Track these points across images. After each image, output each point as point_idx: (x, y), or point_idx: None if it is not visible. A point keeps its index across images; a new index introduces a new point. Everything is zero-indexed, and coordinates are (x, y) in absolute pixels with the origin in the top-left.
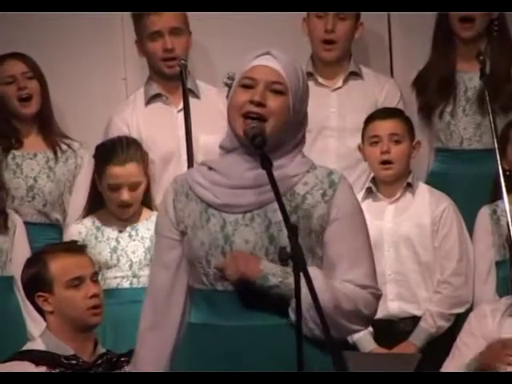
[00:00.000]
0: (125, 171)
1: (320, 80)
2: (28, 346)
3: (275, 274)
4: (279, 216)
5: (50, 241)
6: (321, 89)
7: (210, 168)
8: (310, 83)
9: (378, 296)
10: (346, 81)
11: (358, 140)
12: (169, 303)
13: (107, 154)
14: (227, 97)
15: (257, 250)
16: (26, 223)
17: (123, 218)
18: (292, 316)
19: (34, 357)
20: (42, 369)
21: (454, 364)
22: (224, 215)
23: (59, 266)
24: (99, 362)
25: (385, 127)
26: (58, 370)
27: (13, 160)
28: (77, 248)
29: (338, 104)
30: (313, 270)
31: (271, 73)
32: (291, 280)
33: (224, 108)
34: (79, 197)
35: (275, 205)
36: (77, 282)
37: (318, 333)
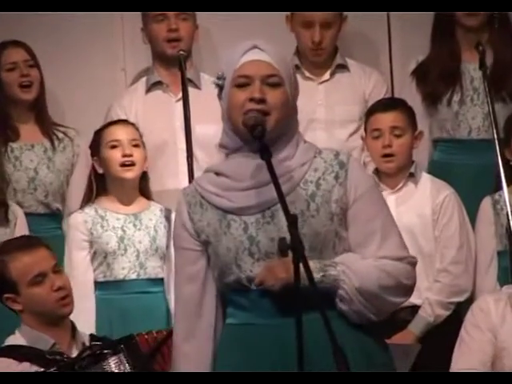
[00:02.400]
0: (123, 129)
1: (307, 74)
2: (9, 341)
3: (316, 270)
4: (300, 206)
5: (50, 230)
6: (308, 82)
7: (218, 173)
8: (297, 76)
9: (414, 263)
10: (332, 74)
11: (347, 131)
12: (200, 313)
13: (103, 126)
14: (219, 96)
15: None
16: (28, 214)
17: (126, 183)
18: (340, 305)
19: (17, 353)
20: (26, 365)
21: (462, 359)
22: (244, 218)
23: (19, 267)
24: (83, 355)
25: (386, 120)
26: (41, 367)
27: (11, 153)
28: (32, 243)
29: (325, 96)
30: (348, 256)
31: (264, 67)
32: (333, 271)
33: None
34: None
35: (292, 196)
36: (39, 279)
37: (371, 316)
